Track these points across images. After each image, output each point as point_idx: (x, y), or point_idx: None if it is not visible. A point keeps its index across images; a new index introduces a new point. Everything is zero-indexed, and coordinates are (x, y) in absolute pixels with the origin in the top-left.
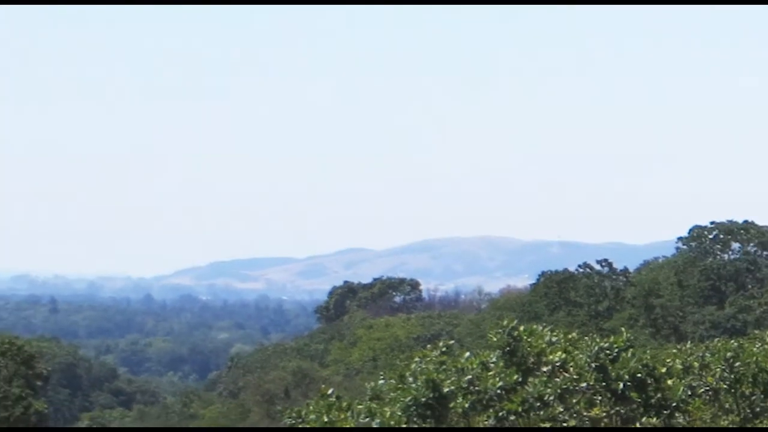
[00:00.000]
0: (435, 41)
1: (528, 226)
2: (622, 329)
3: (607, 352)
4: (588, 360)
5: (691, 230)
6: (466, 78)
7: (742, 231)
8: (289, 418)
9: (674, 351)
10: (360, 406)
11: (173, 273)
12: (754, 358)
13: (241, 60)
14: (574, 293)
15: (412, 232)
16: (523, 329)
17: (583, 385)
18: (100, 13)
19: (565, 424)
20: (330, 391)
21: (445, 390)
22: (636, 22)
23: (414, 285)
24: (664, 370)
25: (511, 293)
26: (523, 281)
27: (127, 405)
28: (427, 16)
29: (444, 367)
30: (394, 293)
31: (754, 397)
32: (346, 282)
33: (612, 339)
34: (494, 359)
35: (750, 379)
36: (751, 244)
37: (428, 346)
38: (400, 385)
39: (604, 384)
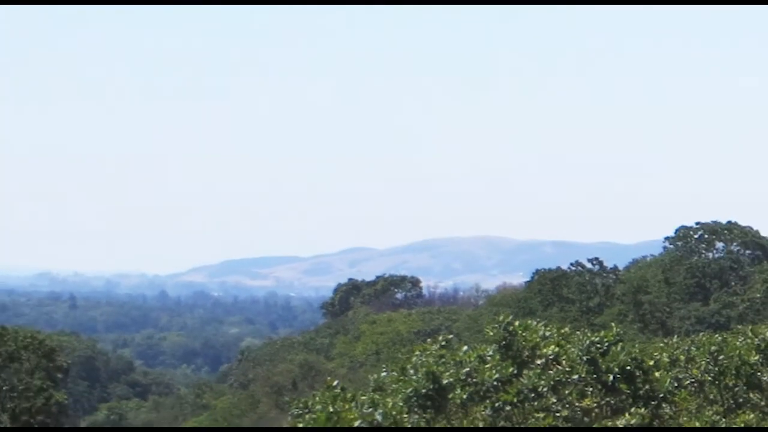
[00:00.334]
0: (435, 42)
1: (523, 226)
2: (612, 324)
3: (598, 345)
4: (580, 353)
5: (677, 230)
6: (465, 78)
7: (725, 231)
8: (297, 408)
9: (661, 345)
10: (363, 397)
11: (187, 271)
12: (737, 352)
13: (243, 61)
14: (566, 290)
15: (413, 232)
16: (518, 324)
17: (575, 377)
18: (101, 14)
19: (558, 414)
20: (335, 383)
21: (445, 382)
22: (626, 24)
23: (415, 282)
24: (651, 362)
25: (506, 290)
26: (518, 279)
27: (143, 396)
28: (427, 16)
29: (443, 360)
30: (395, 290)
31: (737, 389)
32: (350, 279)
33: (602, 333)
34: (491, 353)
35: (733, 372)
36: (734, 244)
37: (428, 340)
38: (401, 377)
39: (595, 376)
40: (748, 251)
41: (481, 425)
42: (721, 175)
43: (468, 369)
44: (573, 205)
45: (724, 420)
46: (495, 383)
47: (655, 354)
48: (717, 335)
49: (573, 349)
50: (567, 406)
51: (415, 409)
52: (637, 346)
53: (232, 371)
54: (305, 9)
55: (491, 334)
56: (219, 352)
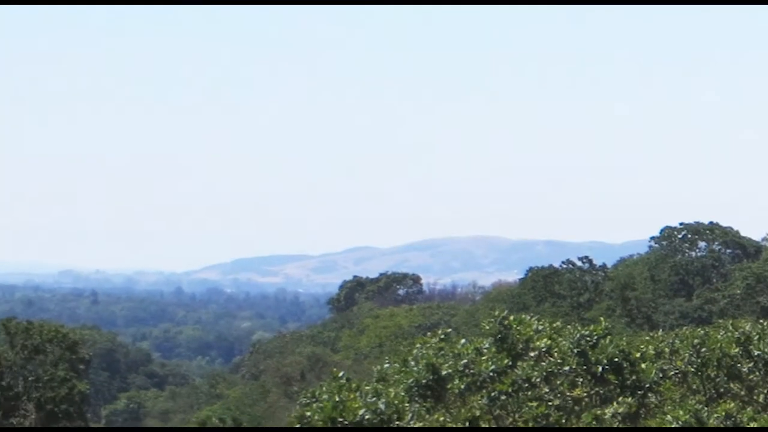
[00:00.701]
0: (434, 44)
1: (517, 226)
2: (601, 319)
3: (588, 339)
4: (570, 346)
5: (662, 230)
6: (464, 81)
7: (707, 231)
8: (305, 397)
9: (647, 338)
10: (367, 387)
11: (201, 268)
12: (719, 345)
13: (252, 64)
14: (558, 287)
15: (414, 232)
16: (512, 319)
17: (567, 368)
18: (120, 17)
19: (550, 403)
20: (341, 374)
21: (444, 373)
22: (612, 27)
23: (416, 279)
24: (638, 355)
25: (502, 287)
26: (513, 276)
27: (160, 386)
28: (427, 17)
29: (442, 352)
30: (398, 287)
31: (718, 379)
32: (355, 276)
33: (592, 327)
34: (487, 345)
35: (715, 363)
36: (716, 243)
37: (428, 333)
38: (403, 368)
39: (584, 367)
40: (728, 250)
41: (478, 414)
42: (703, 178)
43: (465, 361)
44: (564, 206)
45: (706, 408)
46: (491, 374)
47: (642, 347)
48: (699, 329)
49: (564, 342)
50: (559, 395)
51: (416, 398)
52: (624, 339)
53: (244, 363)
54: (305, 10)
55: (487, 328)
56: (232, 345)
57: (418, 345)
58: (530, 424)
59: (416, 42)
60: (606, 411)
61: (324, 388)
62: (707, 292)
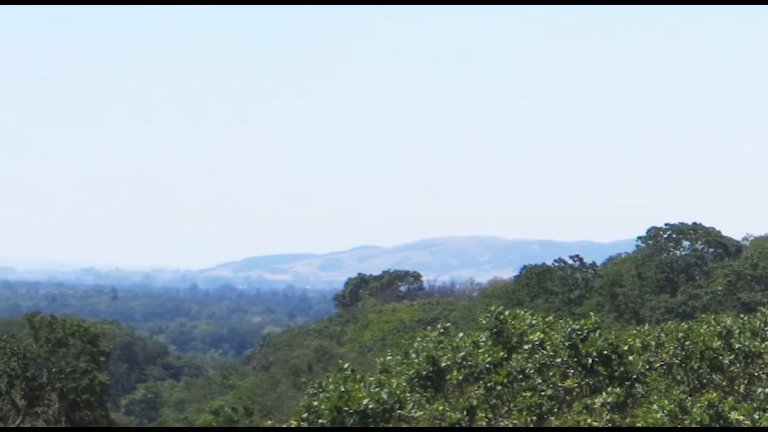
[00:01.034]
0: (435, 45)
1: (513, 227)
2: (591, 314)
3: (578, 332)
4: (562, 339)
5: (648, 231)
6: (461, 88)
7: (691, 231)
8: (312, 388)
9: (634, 332)
10: (371, 378)
11: (215, 266)
12: (702, 338)
13: (260, 71)
14: (550, 283)
15: (415, 231)
16: (507, 314)
17: (558, 360)
18: (132, 22)
19: (543, 393)
20: (346, 366)
21: (443, 364)
22: (599, 29)
23: (416, 277)
24: (626, 347)
25: (498, 284)
26: (508, 273)
27: (176, 377)
28: (426, 19)
29: (442, 345)
30: (399, 283)
31: (701, 371)
32: (359, 274)
33: (582, 322)
34: (484, 339)
35: (698, 356)
36: (699, 243)
37: (428, 327)
38: (404, 361)
39: (575, 359)
40: (711, 249)
41: (475, 403)
42: (688, 181)
43: (463, 353)
44: (557, 208)
45: (690, 398)
46: (487, 366)
47: (629, 340)
48: (683, 323)
49: (556, 336)
50: (551, 386)
51: (417, 389)
52: (612, 333)
53: (255, 355)
54: (306, 9)
55: (484, 322)
56: (243, 339)
57: (418, 338)
58: (524, 413)
59: (418, 45)
60: (595, 400)
61: (330, 379)
62: (691, 289)
